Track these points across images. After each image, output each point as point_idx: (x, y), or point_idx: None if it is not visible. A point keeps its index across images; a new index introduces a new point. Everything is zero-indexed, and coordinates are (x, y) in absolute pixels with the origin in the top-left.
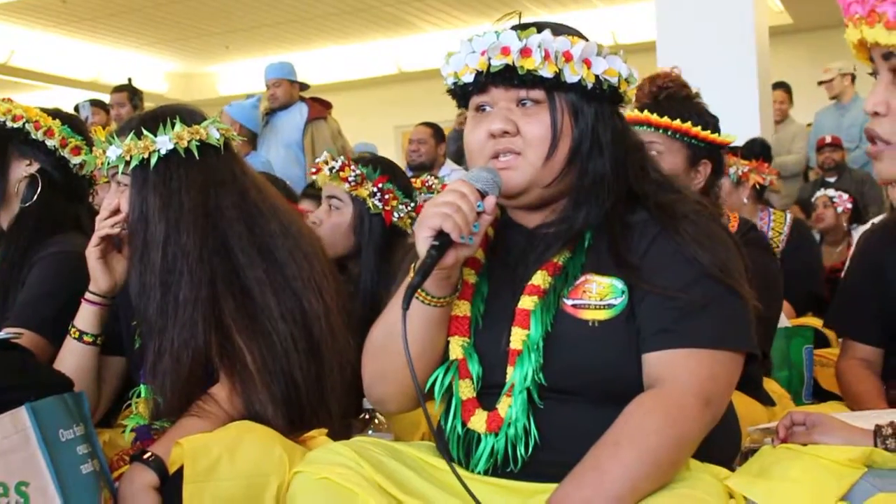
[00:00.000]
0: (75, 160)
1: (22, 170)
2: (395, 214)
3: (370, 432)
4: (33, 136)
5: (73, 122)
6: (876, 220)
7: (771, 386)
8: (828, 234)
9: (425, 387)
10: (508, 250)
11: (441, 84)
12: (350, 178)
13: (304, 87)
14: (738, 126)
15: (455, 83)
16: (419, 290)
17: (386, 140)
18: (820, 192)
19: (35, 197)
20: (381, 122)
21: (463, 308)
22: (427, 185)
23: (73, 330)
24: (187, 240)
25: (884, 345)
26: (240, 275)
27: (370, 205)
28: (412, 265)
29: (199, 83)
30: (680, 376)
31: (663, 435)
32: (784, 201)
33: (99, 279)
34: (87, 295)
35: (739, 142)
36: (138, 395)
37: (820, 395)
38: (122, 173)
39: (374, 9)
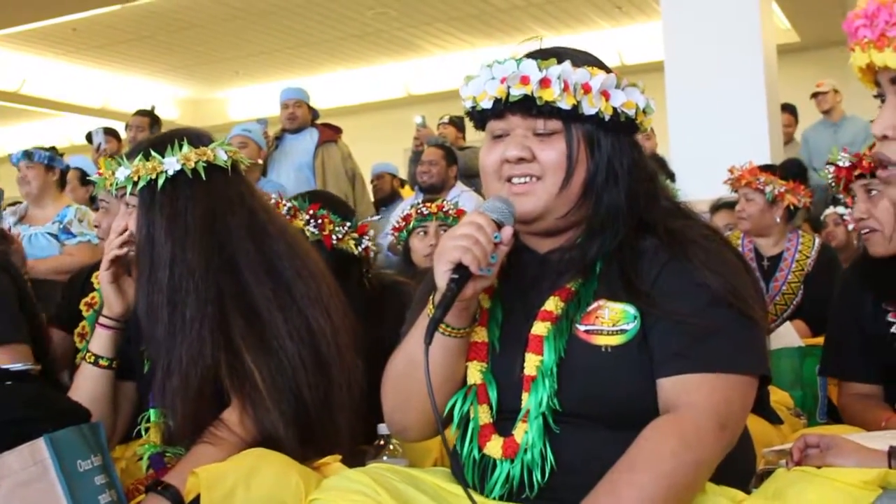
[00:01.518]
0: None
1: None
2: (334, 237)
3: (385, 458)
4: None
5: None
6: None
7: (775, 396)
8: (839, 252)
9: (444, 412)
10: (521, 275)
11: (449, 107)
12: (283, 213)
13: (315, 114)
14: (747, 146)
15: (473, 107)
16: (441, 323)
17: (395, 162)
18: (829, 210)
19: None
20: (391, 144)
21: (480, 333)
22: (444, 210)
23: (88, 355)
24: (193, 258)
25: (878, 381)
26: (247, 293)
27: (307, 233)
28: (430, 297)
29: (209, 109)
30: (695, 401)
31: (679, 459)
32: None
33: (112, 303)
34: (101, 319)
35: (743, 161)
36: (148, 420)
37: (834, 414)
38: (130, 194)
39: (382, 33)
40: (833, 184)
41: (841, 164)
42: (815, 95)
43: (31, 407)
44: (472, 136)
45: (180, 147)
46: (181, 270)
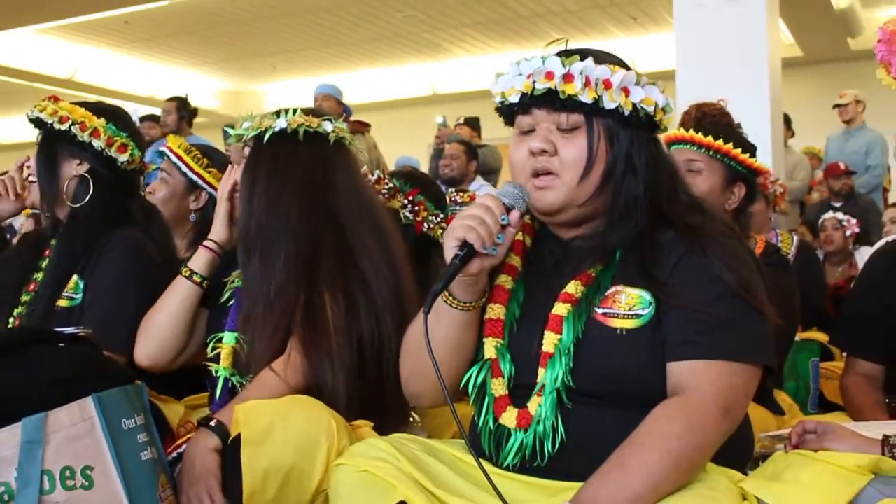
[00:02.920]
0: (122, 157)
1: (72, 169)
2: (426, 224)
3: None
4: (80, 138)
5: (118, 119)
6: (889, 239)
7: (780, 396)
8: (833, 255)
9: (460, 384)
10: (544, 260)
11: (472, 106)
12: (384, 191)
13: (347, 111)
14: None
15: (502, 102)
16: (448, 295)
17: (419, 157)
18: (829, 215)
19: (87, 198)
20: (415, 140)
21: (498, 311)
22: (453, 199)
23: (184, 269)
24: (290, 205)
25: (885, 361)
26: (346, 242)
27: (402, 216)
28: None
29: (247, 100)
30: (702, 386)
31: (684, 440)
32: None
33: (220, 230)
34: (206, 242)
35: None
36: (218, 341)
37: (825, 405)
38: (245, 145)
39: (411, 35)
40: None
41: None
42: (836, 106)
43: (81, 368)
44: (488, 135)
45: (294, 113)
46: (277, 215)
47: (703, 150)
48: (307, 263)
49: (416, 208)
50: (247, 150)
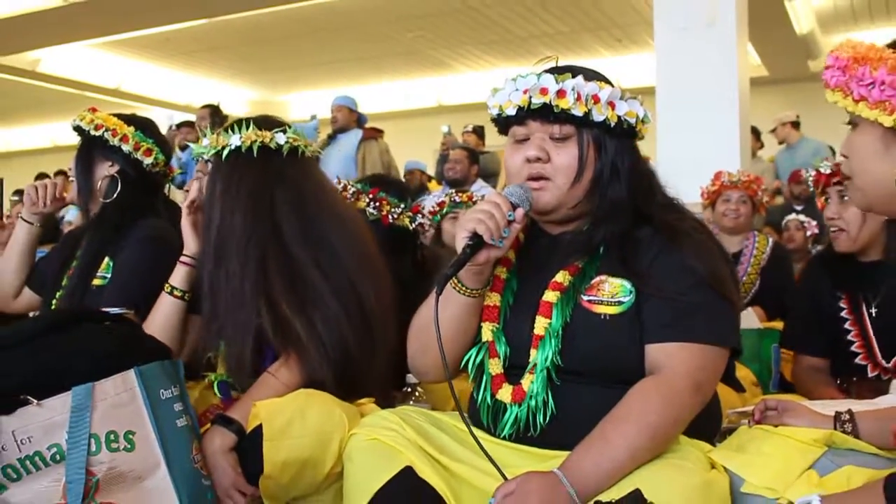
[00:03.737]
0: (147, 160)
1: (105, 170)
2: (391, 216)
3: (411, 403)
4: (111, 143)
5: (145, 128)
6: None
7: (742, 372)
8: (793, 253)
9: (461, 364)
10: (536, 254)
11: (474, 116)
12: (349, 196)
13: (363, 119)
14: (721, 160)
15: (499, 114)
16: (456, 282)
17: (426, 161)
18: (792, 217)
19: (115, 195)
20: (422, 146)
21: (494, 299)
22: (473, 200)
23: (166, 286)
24: (239, 222)
25: (828, 355)
26: (290, 257)
27: (368, 213)
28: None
29: (274, 109)
30: (676, 365)
31: (660, 414)
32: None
33: (190, 243)
34: (182, 257)
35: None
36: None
37: (785, 386)
38: (206, 161)
39: (419, 52)
40: (812, 186)
41: (822, 170)
42: (772, 131)
43: (125, 344)
44: (491, 142)
45: (247, 128)
46: (227, 231)
47: None
48: (258, 283)
49: (378, 204)
50: (206, 167)
